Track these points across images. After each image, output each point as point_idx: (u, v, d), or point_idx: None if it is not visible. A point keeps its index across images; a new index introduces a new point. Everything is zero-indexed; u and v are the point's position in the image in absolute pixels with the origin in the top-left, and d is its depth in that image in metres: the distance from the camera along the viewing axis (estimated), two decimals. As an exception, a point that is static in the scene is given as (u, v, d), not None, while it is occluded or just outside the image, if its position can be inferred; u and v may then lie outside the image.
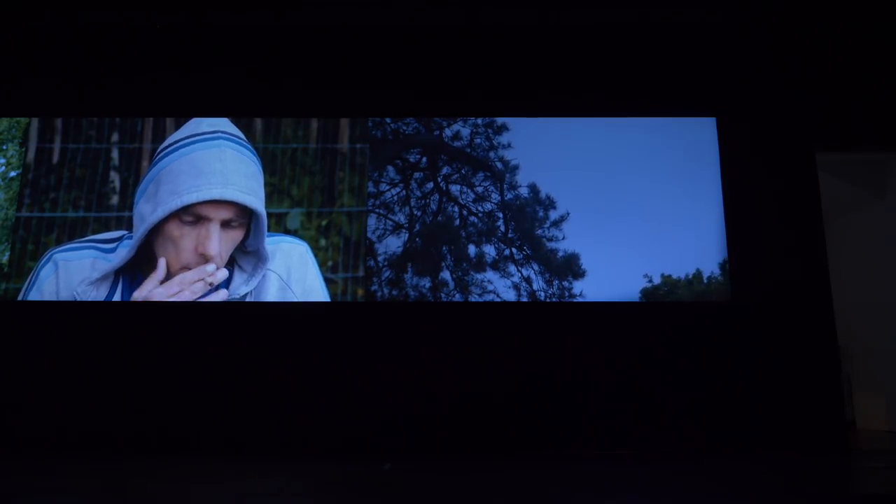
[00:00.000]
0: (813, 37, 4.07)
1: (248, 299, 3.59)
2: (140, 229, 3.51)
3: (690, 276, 3.74)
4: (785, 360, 3.63)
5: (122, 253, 3.56)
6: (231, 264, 3.61)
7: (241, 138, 3.74)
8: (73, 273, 3.57)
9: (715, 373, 3.62)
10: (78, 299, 3.54)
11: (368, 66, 4.05)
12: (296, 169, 3.85)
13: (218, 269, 3.49)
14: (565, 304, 3.72)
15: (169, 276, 3.52)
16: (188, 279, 3.47)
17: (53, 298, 3.57)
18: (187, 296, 3.48)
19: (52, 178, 3.82)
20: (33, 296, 3.59)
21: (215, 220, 3.47)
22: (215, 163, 3.56)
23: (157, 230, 3.51)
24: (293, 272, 3.65)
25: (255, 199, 3.56)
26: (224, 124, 3.79)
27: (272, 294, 3.61)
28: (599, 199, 3.85)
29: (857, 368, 4.93)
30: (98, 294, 3.55)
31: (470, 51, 4.07)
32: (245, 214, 3.53)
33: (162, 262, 3.50)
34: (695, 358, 3.64)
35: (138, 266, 3.57)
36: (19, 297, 3.62)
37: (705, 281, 3.74)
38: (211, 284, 3.46)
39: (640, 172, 3.87)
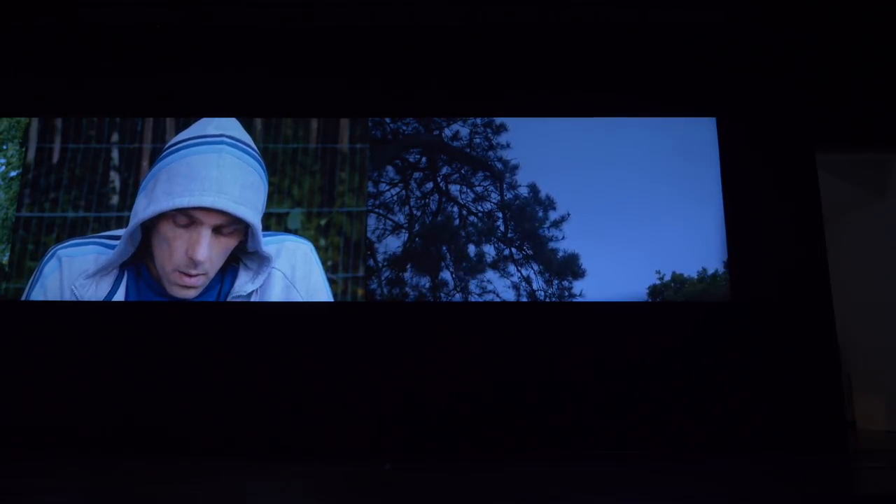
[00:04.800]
0: (813, 37, 4.07)
1: (253, 297, 3.60)
2: (132, 223, 3.55)
3: (690, 276, 3.74)
4: (785, 360, 3.63)
5: (119, 247, 3.57)
6: (236, 262, 3.62)
7: (245, 144, 3.73)
8: (77, 269, 3.58)
9: (715, 372, 3.62)
10: (75, 293, 3.55)
11: (368, 66, 4.05)
12: (296, 169, 3.85)
13: (208, 274, 3.51)
14: (565, 304, 3.72)
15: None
16: None
17: (57, 294, 3.58)
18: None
19: (52, 178, 3.82)
20: (37, 293, 3.59)
21: (207, 225, 3.48)
22: (213, 169, 3.58)
23: (153, 227, 3.52)
24: (298, 271, 3.66)
25: (249, 209, 3.55)
26: (231, 127, 3.78)
27: (277, 292, 3.62)
28: (599, 198, 3.85)
29: (857, 368, 4.93)
30: (99, 288, 3.56)
31: (470, 51, 4.07)
32: (240, 221, 3.53)
33: None
34: (695, 358, 3.64)
35: (141, 259, 3.59)
36: (23, 295, 3.62)
37: (705, 281, 3.74)
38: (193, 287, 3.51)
39: (639, 172, 3.87)
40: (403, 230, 3.82)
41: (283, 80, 4.03)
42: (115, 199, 3.78)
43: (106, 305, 3.59)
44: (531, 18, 4.06)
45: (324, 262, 3.72)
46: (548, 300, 3.73)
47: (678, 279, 3.74)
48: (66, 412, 3.53)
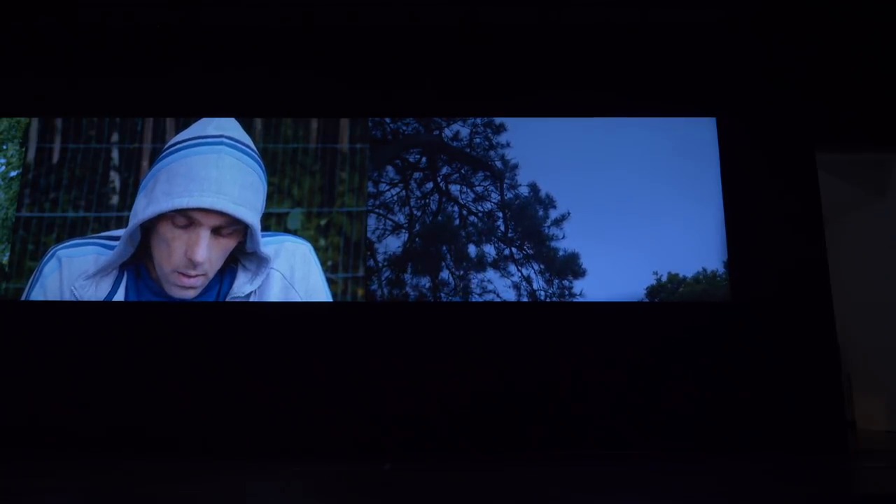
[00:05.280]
0: (813, 37, 4.07)
1: (252, 298, 3.60)
2: (131, 223, 3.55)
3: (690, 277, 3.74)
4: (785, 361, 3.63)
5: (118, 248, 3.56)
6: (235, 263, 3.62)
7: (245, 144, 3.73)
8: (76, 270, 3.58)
9: (715, 373, 3.62)
10: (75, 294, 3.55)
11: (368, 66, 4.05)
12: (296, 169, 3.85)
13: (207, 275, 3.51)
14: (565, 304, 3.72)
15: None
16: None
17: (57, 295, 3.57)
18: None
19: (52, 178, 3.82)
20: (37, 293, 3.59)
21: (205, 226, 3.47)
22: (212, 169, 3.58)
23: (152, 228, 3.52)
24: (297, 271, 3.66)
25: (248, 209, 3.54)
26: (231, 127, 3.77)
27: (276, 293, 3.62)
28: (599, 198, 3.85)
29: (857, 368, 4.93)
30: (99, 289, 3.56)
31: (469, 51, 4.07)
32: (239, 221, 3.53)
33: None
34: (695, 358, 3.64)
35: (140, 259, 3.59)
36: (23, 296, 3.62)
37: (705, 281, 3.74)
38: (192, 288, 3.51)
39: (640, 172, 3.87)
40: (403, 230, 3.82)
41: (283, 80, 4.03)
42: (115, 199, 3.78)
43: (106, 305, 3.59)
44: (531, 18, 4.06)
45: (324, 263, 3.72)
46: (548, 300, 3.73)
47: (678, 279, 3.74)
48: (66, 412, 3.53)
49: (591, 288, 3.73)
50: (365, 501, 2.22)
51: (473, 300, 3.73)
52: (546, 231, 3.81)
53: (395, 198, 3.86)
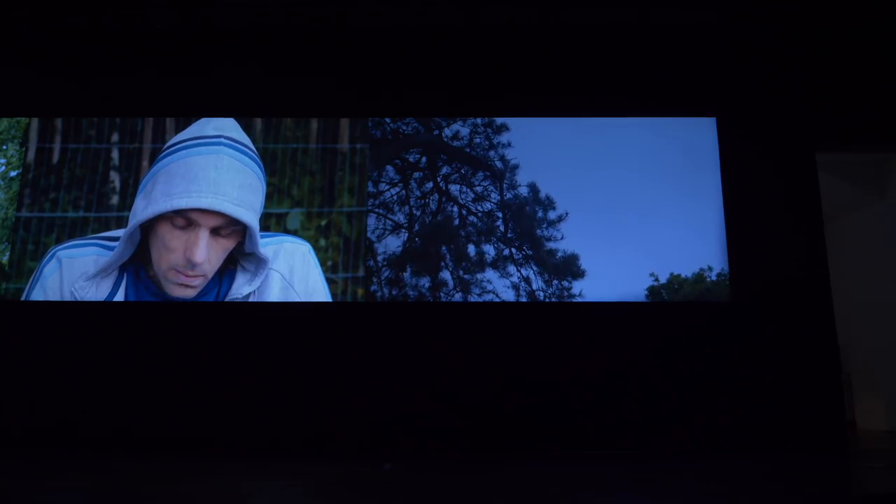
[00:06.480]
0: (813, 37, 4.07)
1: (251, 298, 3.60)
2: (130, 224, 3.56)
3: (690, 277, 3.74)
4: (785, 361, 3.63)
5: (118, 248, 3.56)
6: (234, 264, 3.61)
7: (243, 145, 3.73)
8: (77, 270, 3.58)
9: (715, 373, 3.62)
10: (76, 295, 3.55)
11: (368, 66, 4.05)
12: (296, 169, 3.85)
13: (206, 275, 3.51)
14: (564, 304, 3.72)
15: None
16: None
17: (57, 296, 3.57)
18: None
19: (52, 178, 3.82)
20: (37, 293, 3.59)
21: (204, 226, 3.47)
22: (210, 170, 3.57)
23: (150, 228, 3.53)
24: (296, 272, 3.65)
25: (246, 210, 3.54)
26: (229, 128, 3.77)
27: (275, 293, 3.62)
28: (599, 199, 3.85)
29: (857, 368, 4.93)
30: (99, 289, 3.56)
31: (470, 51, 4.07)
32: (238, 222, 3.53)
33: None
34: (695, 358, 3.64)
35: (140, 260, 3.59)
36: (23, 296, 3.62)
37: (705, 281, 3.74)
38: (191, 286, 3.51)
39: (640, 172, 3.87)
40: (403, 230, 3.82)
41: (283, 80, 4.03)
42: (115, 199, 3.78)
43: (106, 305, 3.59)
44: (531, 18, 4.06)
45: (323, 263, 3.72)
46: (547, 300, 3.73)
47: (678, 279, 3.74)
48: (66, 412, 3.53)
49: (591, 288, 3.73)
50: (365, 501, 2.22)
51: (473, 300, 3.73)
52: (545, 232, 3.81)
53: (395, 198, 3.86)
